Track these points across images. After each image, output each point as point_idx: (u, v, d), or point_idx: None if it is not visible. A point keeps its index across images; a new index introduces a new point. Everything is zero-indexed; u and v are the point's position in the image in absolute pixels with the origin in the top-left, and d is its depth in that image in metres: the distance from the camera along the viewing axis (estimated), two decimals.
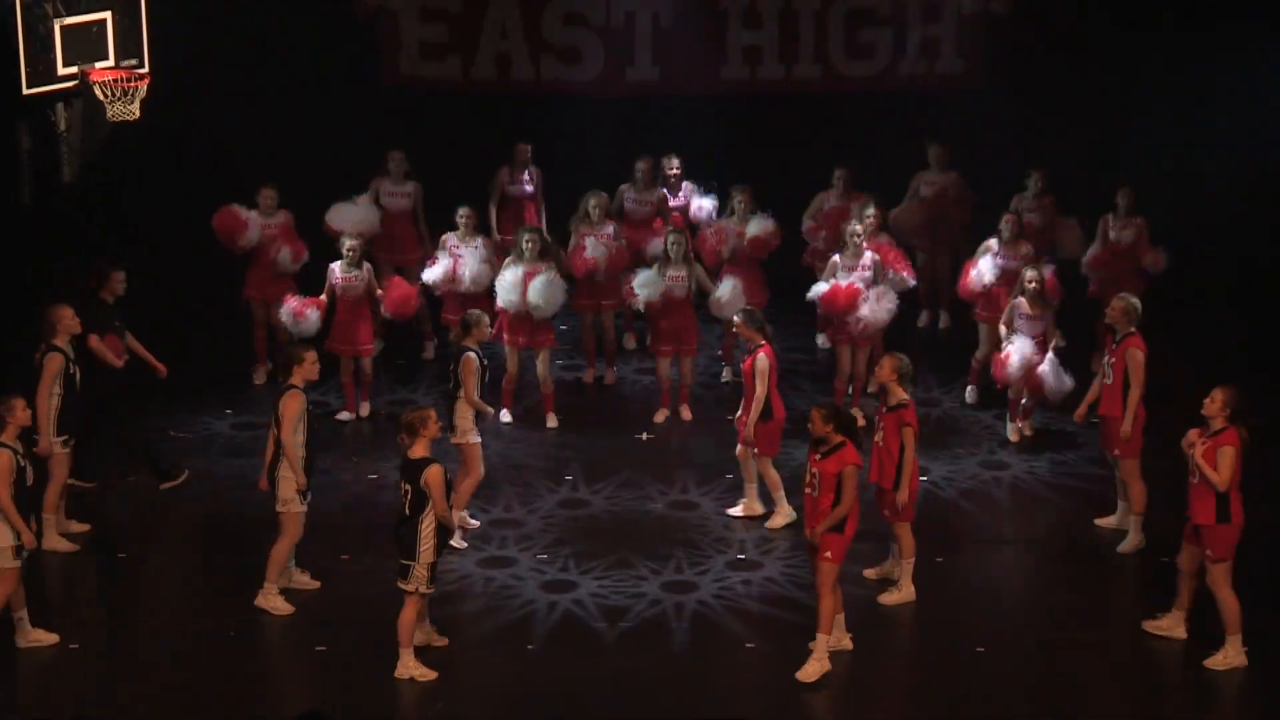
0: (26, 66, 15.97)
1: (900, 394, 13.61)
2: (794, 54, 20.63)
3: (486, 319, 14.89)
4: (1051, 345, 15.98)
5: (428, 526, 12.51)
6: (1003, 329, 16.15)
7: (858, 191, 18.01)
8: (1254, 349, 17.72)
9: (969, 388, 17.27)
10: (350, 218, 17.54)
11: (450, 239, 17.22)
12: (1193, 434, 12.97)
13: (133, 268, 15.42)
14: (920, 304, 18.88)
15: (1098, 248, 17.54)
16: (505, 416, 16.74)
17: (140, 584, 14.33)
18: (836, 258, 16.64)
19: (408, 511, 12.55)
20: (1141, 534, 14.53)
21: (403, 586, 12.61)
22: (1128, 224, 17.52)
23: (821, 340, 18.33)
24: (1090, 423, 15.35)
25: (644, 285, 16.57)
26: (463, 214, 17.26)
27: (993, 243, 16.96)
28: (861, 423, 14.72)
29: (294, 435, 13.32)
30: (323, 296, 16.65)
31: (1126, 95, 20.10)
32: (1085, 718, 12.59)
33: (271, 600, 13.56)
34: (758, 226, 17.34)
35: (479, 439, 14.60)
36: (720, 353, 18.11)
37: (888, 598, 13.79)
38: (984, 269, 16.80)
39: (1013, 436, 16.52)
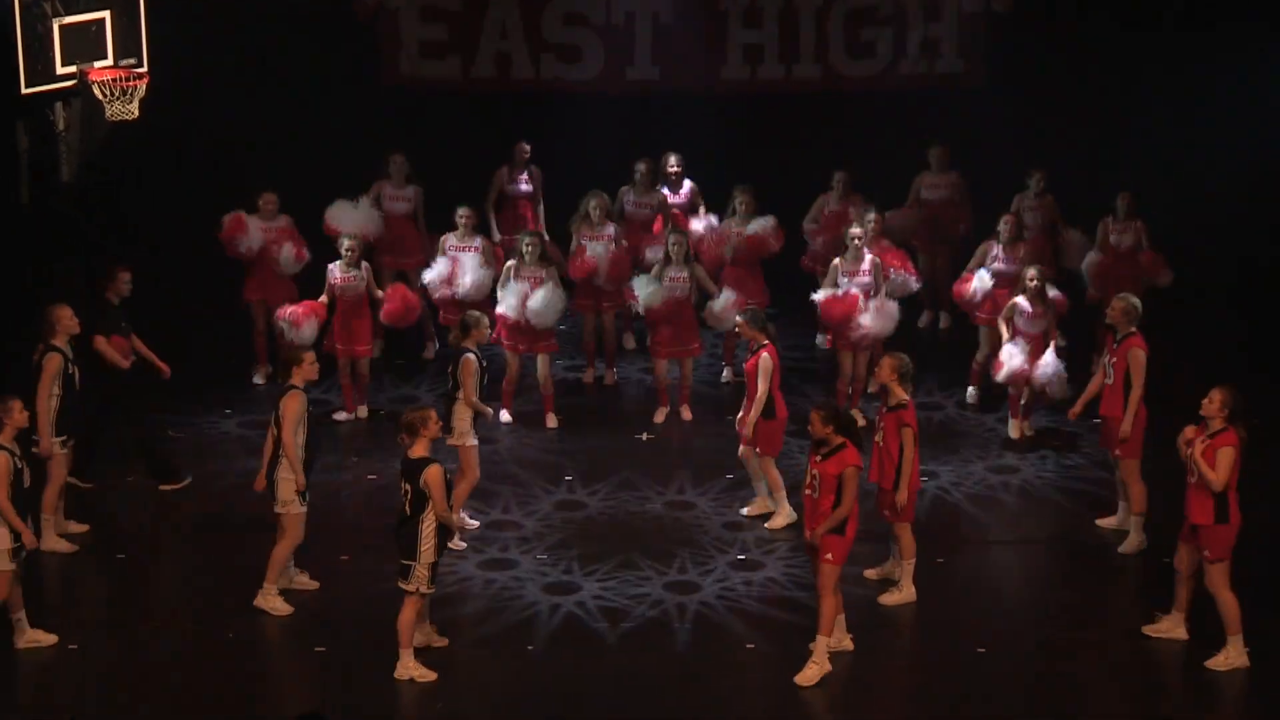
0: (25, 66, 15.94)
1: (900, 394, 13.59)
2: (794, 54, 20.60)
3: (486, 320, 14.88)
4: (1052, 345, 15.98)
5: (428, 526, 12.50)
6: (1002, 325, 16.13)
7: (855, 194, 18.01)
8: (1254, 349, 17.73)
9: (969, 389, 17.26)
10: (350, 218, 17.53)
11: (449, 240, 17.21)
12: (1188, 431, 12.94)
13: (132, 268, 15.42)
14: (921, 304, 18.87)
15: (1097, 252, 17.53)
16: (505, 417, 16.73)
17: (140, 584, 14.31)
18: (837, 261, 16.63)
19: (408, 511, 12.54)
20: (1143, 534, 14.52)
21: (403, 587, 12.60)
22: (1127, 228, 17.51)
23: (821, 341, 18.33)
24: (1093, 423, 15.34)
25: (644, 292, 16.56)
26: (462, 214, 17.23)
27: (993, 245, 16.96)
28: (862, 423, 14.71)
29: (294, 435, 13.33)
30: (323, 298, 16.63)
31: (1126, 95, 20.08)
32: (1085, 718, 12.57)
33: (271, 601, 13.55)
34: (759, 227, 17.34)
35: (476, 441, 14.58)
36: (721, 353, 18.12)
37: (888, 598, 13.78)
38: (984, 279, 16.78)
39: (1014, 434, 16.51)
